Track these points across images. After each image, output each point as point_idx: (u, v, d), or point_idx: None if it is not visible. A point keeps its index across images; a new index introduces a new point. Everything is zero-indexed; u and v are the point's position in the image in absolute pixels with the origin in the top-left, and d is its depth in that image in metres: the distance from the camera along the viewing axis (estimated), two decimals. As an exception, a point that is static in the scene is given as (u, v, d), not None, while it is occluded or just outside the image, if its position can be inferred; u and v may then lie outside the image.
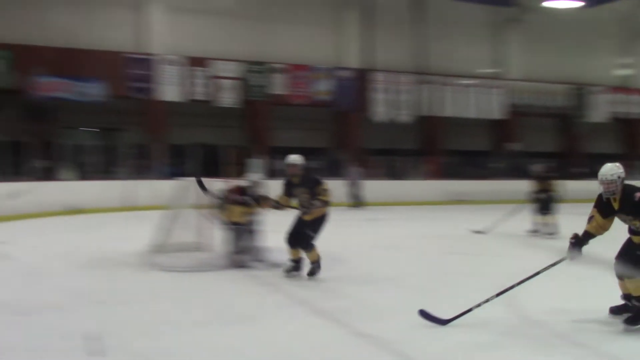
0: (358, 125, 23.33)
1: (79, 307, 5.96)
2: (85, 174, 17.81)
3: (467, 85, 24.57)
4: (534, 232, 11.92)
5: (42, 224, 13.91)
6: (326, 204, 7.42)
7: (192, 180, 9.17)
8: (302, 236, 7.36)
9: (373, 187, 19.76)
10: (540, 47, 26.10)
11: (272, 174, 18.86)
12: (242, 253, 8.21)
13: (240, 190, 8.43)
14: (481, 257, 9.83)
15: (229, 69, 21.30)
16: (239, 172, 18.56)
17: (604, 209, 5.22)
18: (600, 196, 5.26)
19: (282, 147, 21.49)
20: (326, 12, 23.60)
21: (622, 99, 27.20)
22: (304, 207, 7.38)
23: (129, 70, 20.09)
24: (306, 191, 7.41)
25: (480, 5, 24.96)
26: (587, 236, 5.26)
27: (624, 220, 5.23)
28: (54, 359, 4.53)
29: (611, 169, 5.15)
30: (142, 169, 18.78)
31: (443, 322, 5.22)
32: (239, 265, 8.14)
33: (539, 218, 11.91)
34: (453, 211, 18.29)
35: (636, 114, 27.39)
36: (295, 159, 7.54)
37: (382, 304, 6.23)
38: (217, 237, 8.84)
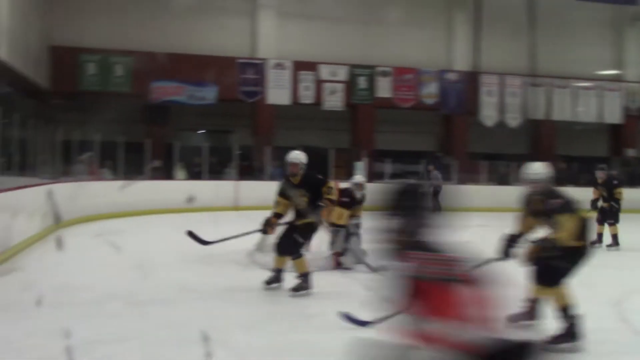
0: (465, 129, 22.92)
1: (187, 301, 6.24)
2: (196, 174, 18.58)
3: (581, 88, 23.50)
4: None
5: (156, 220, 14.65)
6: (333, 203, 7.03)
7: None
8: (291, 242, 6.67)
9: (479, 192, 19.31)
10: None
11: (376, 176, 18.94)
12: (344, 255, 8.27)
13: (343, 193, 8.47)
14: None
15: (335, 73, 21.57)
16: (344, 175, 18.80)
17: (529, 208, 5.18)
18: (526, 196, 5.24)
19: (386, 150, 21.60)
20: (434, 14, 23.35)
21: None
22: (299, 210, 6.63)
23: (239, 75, 20.83)
24: (304, 193, 6.64)
25: (595, 5, 23.76)
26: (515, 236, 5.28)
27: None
28: (164, 348, 4.78)
29: (537, 169, 5.18)
30: (250, 170, 19.39)
31: (367, 325, 4.92)
32: (339, 266, 8.21)
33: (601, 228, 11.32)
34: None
35: None
36: (296, 156, 6.79)
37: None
38: (320, 238, 8.96)
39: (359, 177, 8.76)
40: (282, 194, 6.85)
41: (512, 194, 21.04)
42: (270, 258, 8.43)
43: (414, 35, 22.66)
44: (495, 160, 22.41)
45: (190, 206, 15.05)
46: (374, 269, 8.05)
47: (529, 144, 24.37)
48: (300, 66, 21.25)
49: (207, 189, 16.90)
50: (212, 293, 6.73)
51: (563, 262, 4.80)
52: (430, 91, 22.49)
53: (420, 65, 22.42)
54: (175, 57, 20.01)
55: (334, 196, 6.97)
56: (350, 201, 8.31)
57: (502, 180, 21.29)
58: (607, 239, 11.23)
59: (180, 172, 18.68)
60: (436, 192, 15.13)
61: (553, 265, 4.80)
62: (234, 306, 6.18)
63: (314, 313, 5.94)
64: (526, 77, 23.00)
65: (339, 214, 8.25)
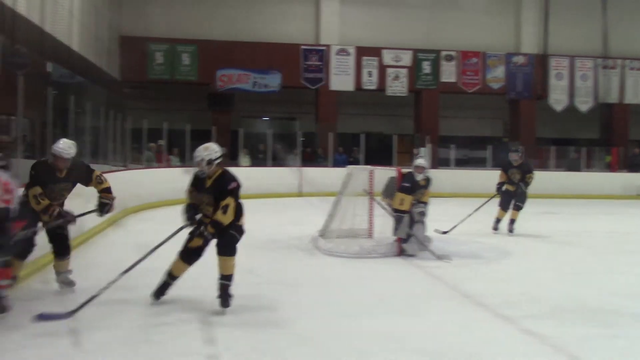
0: (532, 114, 22.30)
1: (249, 285, 6.34)
2: (260, 161, 18.79)
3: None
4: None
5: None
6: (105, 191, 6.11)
7: (361, 168, 9.37)
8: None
9: (546, 179, 18.81)
10: None
11: (441, 163, 18.70)
12: (408, 241, 8.21)
13: (405, 177, 8.36)
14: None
15: (399, 58, 21.36)
16: (407, 161, 18.66)
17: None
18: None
19: (451, 136, 21.28)
20: (501, -5, 22.75)
21: None
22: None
23: (303, 62, 20.91)
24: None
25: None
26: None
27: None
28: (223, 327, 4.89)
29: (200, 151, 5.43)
30: (313, 157, 19.49)
31: (65, 317, 4.84)
32: (404, 253, 8.16)
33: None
34: (637, 207, 16.87)
35: None
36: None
37: (547, 301, 5.95)
38: (384, 224, 8.94)
39: (420, 161, 8.51)
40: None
41: (582, 181, 20.41)
42: (337, 244, 8.53)
43: (480, 18, 22.13)
44: (564, 146, 21.72)
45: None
46: (437, 256, 7.98)
47: (600, 128, 23.52)
48: (364, 52, 21.13)
49: (270, 176, 17.08)
50: (273, 278, 6.81)
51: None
52: (496, 75, 21.98)
53: (486, 49, 21.92)
54: (239, 45, 20.29)
55: (106, 184, 6.14)
56: (412, 186, 8.16)
57: (572, 166, 20.64)
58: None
59: (244, 158, 18.94)
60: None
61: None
62: (294, 291, 6.23)
63: (376, 299, 5.93)
64: (598, 59, 22.14)
65: (401, 199, 8.15)
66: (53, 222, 5.74)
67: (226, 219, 5.28)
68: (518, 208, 10.58)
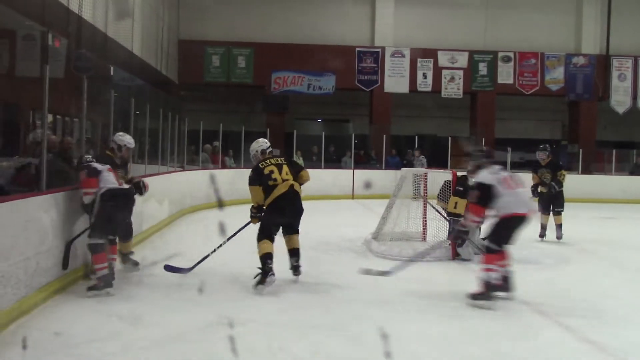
0: (592, 116, 21.69)
1: (302, 285, 6.41)
2: (315, 163, 18.87)
3: None
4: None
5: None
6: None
7: (415, 170, 9.31)
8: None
9: (607, 182, 18.32)
10: None
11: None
12: (463, 245, 8.12)
13: (459, 181, 8.28)
14: None
15: (455, 59, 21.13)
16: (463, 164, 18.41)
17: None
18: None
19: (508, 139, 20.91)
20: (560, -5, 22.24)
21: None
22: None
23: (357, 63, 20.91)
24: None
25: None
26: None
27: None
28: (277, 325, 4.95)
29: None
30: (366, 159, 19.45)
31: (186, 271, 6.53)
32: (458, 257, 8.08)
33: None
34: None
35: None
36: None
37: (609, 309, 5.79)
38: (438, 227, 8.87)
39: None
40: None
41: (645, 185, 19.10)
42: (390, 247, 8.50)
43: (538, 17, 21.67)
44: (626, 149, 21.04)
45: (366, 192, 15.55)
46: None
47: (664, 131, 22.75)
48: (419, 54, 20.98)
49: (324, 177, 17.16)
50: (322, 279, 6.84)
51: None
52: (555, 76, 21.48)
53: (545, 50, 21.44)
54: (294, 48, 20.45)
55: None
56: (464, 190, 8.07)
57: (635, 170, 19.98)
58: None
59: (298, 160, 19.06)
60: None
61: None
62: (351, 293, 6.25)
63: (430, 302, 5.89)
64: (663, 59, 21.40)
65: (455, 203, 8.11)
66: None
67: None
68: (558, 213, 10.05)
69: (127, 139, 6.86)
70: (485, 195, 5.75)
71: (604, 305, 5.95)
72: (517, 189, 5.85)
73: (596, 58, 21.49)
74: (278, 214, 6.33)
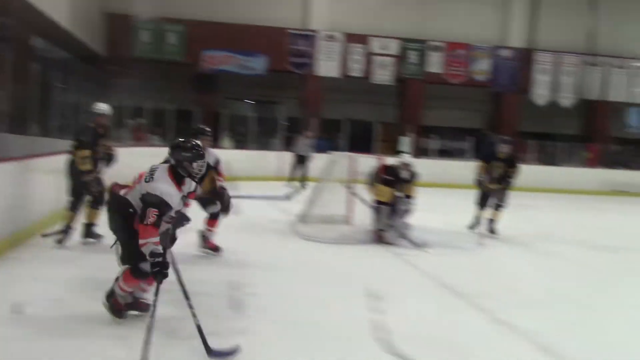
0: (515, 107, 22.48)
1: (224, 266, 6.42)
2: (242, 144, 18.77)
3: (636, 68, 22.63)
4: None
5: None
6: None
7: (342, 154, 9.42)
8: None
9: (525, 172, 19.03)
10: None
11: (422, 152, 18.82)
12: (387, 230, 8.29)
13: (388, 170, 8.41)
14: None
15: (386, 46, 21.38)
16: (390, 150, 18.73)
17: None
18: None
19: (434, 127, 21.42)
20: (489, -12, 22.83)
21: None
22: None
23: (290, 46, 20.85)
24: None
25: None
26: None
27: None
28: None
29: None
30: (296, 142, 19.47)
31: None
32: (382, 241, 8.25)
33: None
34: (610, 202, 17.21)
35: None
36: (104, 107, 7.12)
37: (521, 292, 6.11)
38: (363, 212, 9.02)
39: (406, 157, 8.49)
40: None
41: (559, 175, 20.53)
42: (315, 229, 8.59)
43: (468, 9, 22.21)
44: (545, 140, 21.96)
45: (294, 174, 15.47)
46: (416, 245, 8.08)
47: (582, 124, 23.80)
48: (351, 39, 21.12)
49: (251, 159, 17.09)
50: (248, 259, 6.87)
51: None
52: (482, 67, 22.08)
53: (473, 41, 22.01)
54: (227, 27, 20.17)
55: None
56: (395, 180, 8.23)
57: (550, 160, 20.90)
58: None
59: (226, 140, 18.92)
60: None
61: None
62: (268, 273, 6.30)
63: (357, 285, 6.02)
64: (583, 56, 22.33)
65: (381, 191, 8.24)
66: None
67: None
68: (499, 207, 9.67)
69: (102, 106, 7.04)
70: None
71: (516, 288, 6.27)
72: None
73: (520, 51, 22.22)
74: None
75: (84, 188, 6.80)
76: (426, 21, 21.89)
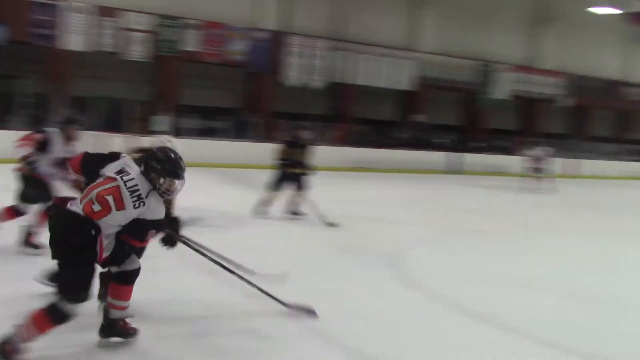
0: (270, 88, 23.30)
1: None
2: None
3: (379, 55, 24.89)
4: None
5: None
6: None
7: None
8: None
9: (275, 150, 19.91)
10: (452, 22, 26.90)
11: (178, 132, 18.63)
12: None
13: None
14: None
15: (140, 22, 20.65)
16: (145, 129, 18.29)
17: None
18: None
19: (190, 105, 21.36)
20: (243, -30, 23.23)
21: (523, 78, 28.44)
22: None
23: (32, 15, 19.12)
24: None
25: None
26: None
27: None
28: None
29: None
30: (40, 119, 18.05)
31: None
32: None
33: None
34: (354, 178, 19.05)
35: (536, 93, 28.80)
36: None
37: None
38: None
39: (166, 137, 7.82)
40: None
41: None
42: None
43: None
44: (299, 121, 23.07)
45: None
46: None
47: (331, 105, 25.50)
48: (102, 11, 19.97)
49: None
50: None
51: None
52: (237, 48, 22.44)
53: (229, 21, 22.25)
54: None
55: None
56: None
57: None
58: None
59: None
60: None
61: None
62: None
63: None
64: (332, 41, 23.87)
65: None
66: None
67: None
68: (301, 191, 10.07)
69: None
70: None
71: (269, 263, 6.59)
72: None
73: (274, 34, 23.00)
74: None
75: None
76: (182, -2, 21.62)
